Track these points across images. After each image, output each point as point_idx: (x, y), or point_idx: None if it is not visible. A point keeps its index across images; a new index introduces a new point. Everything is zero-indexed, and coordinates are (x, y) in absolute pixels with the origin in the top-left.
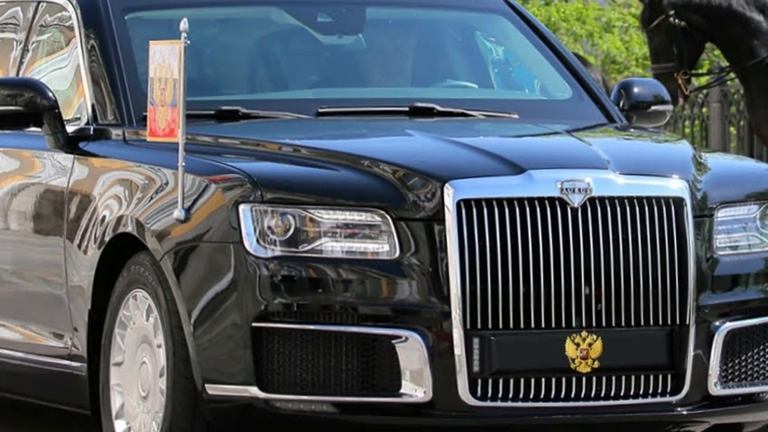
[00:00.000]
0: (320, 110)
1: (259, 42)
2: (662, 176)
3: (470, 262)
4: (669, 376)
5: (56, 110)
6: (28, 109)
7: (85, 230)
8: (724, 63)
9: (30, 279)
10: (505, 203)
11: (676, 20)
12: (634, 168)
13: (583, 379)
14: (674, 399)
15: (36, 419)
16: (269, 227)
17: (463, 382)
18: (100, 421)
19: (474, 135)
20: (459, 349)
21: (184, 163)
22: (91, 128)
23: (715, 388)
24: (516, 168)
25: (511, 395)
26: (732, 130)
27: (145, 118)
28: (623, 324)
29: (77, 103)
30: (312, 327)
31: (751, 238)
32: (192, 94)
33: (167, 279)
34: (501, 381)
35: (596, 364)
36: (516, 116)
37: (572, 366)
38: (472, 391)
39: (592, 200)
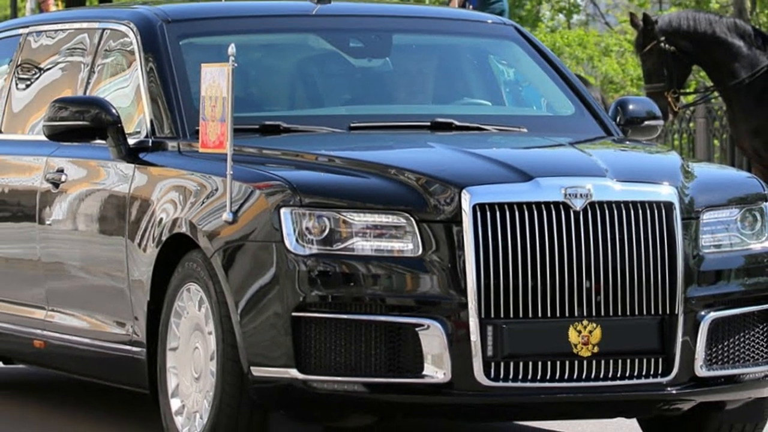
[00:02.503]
0: (352, 125)
1: (298, 64)
2: (654, 183)
3: (485, 259)
4: (660, 360)
5: (119, 125)
6: (94, 124)
7: (145, 231)
8: (709, 83)
9: (96, 274)
10: (515, 207)
11: (667, 45)
12: (630, 176)
13: (584, 362)
14: (665, 380)
15: (101, 398)
16: (307, 228)
17: (479, 365)
18: (157, 400)
19: (488, 147)
20: (475, 336)
21: (231, 172)
22: (150, 141)
23: (701, 371)
24: (525, 176)
25: (520, 376)
26: (716, 142)
27: (197, 131)
28: (620, 314)
29: (137, 118)
30: (345, 316)
31: (733, 237)
32: (239, 111)
33: (217, 274)
34: (512, 364)
35: (596, 349)
36: (525, 130)
37: (574, 351)
38: (486, 373)
39: (592, 204)
